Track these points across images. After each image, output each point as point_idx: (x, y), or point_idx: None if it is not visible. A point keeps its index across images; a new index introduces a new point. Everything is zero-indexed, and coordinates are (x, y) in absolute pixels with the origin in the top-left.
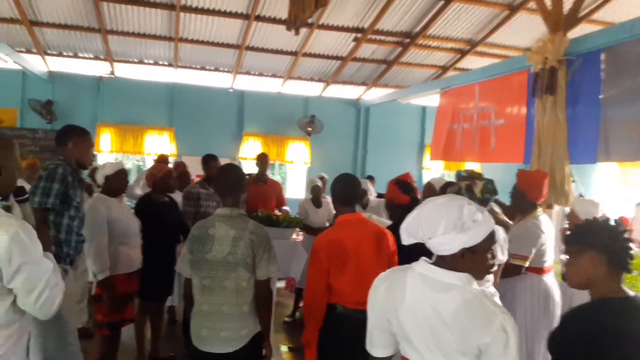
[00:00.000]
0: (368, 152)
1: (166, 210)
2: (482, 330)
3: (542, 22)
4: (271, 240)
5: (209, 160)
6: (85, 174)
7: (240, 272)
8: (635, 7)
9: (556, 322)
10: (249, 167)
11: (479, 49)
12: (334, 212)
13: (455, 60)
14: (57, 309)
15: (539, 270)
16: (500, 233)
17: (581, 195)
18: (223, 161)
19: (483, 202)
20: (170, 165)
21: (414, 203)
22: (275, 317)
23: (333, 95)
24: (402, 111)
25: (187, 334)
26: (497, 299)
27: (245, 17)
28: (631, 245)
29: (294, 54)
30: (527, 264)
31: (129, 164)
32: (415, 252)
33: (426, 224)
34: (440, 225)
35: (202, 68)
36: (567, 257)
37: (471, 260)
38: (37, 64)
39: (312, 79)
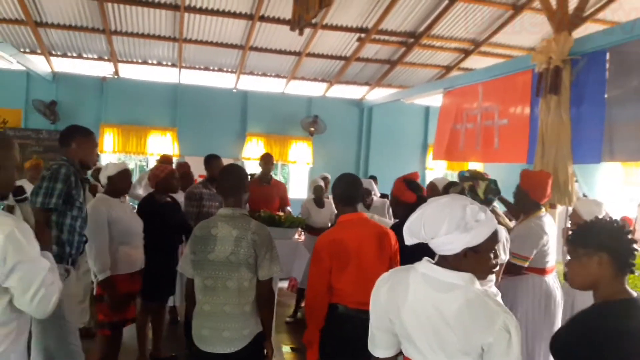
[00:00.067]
0: (371, 152)
1: (169, 211)
2: (485, 329)
3: (546, 22)
4: (273, 240)
5: (211, 161)
6: (89, 174)
7: (242, 272)
8: None
9: (557, 322)
10: (252, 167)
11: (483, 48)
12: (336, 212)
13: (459, 60)
14: (54, 308)
15: (541, 271)
16: (503, 233)
17: (585, 195)
18: (226, 161)
19: (486, 202)
20: (174, 166)
21: (420, 202)
22: (277, 317)
23: (336, 96)
24: (405, 111)
25: (189, 334)
26: (499, 299)
27: (249, 17)
28: (635, 246)
29: (297, 54)
30: (526, 265)
31: (132, 164)
32: (418, 252)
33: (429, 224)
34: (443, 225)
35: (206, 68)
36: (570, 257)
37: (474, 260)
38: (41, 64)
39: (315, 79)
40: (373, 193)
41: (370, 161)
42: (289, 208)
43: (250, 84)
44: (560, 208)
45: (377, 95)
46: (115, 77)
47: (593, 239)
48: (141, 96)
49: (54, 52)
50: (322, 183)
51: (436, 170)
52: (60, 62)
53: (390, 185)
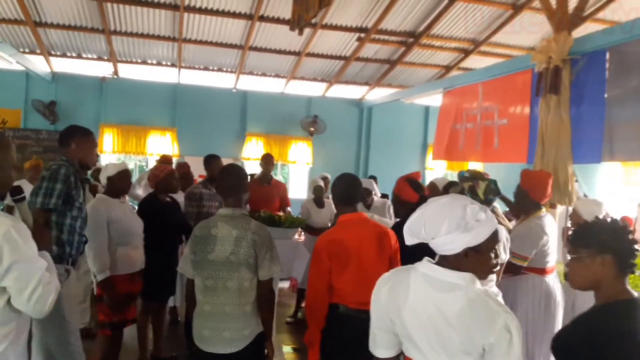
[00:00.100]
0: (371, 152)
1: (168, 211)
2: (486, 329)
3: (546, 21)
4: (273, 240)
5: (211, 161)
6: (88, 174)
7: (242, 272)
8: None
9: (557, 322)
10: (252, 167)
11: (483, 48)
12: (336, 212)
13: (458, 60)
14: (51, 308)
15: (541, 271)
16: (503, 232)
17: (585, 196)
18: (226, 161)
19: (486, 203)
20: (173, 166)
21: (422, 201)
22: (277, 318)
23: (336, 95)
24: (405, 111)
25: (189, 334)
26: (500, 299)
27: (248, 17)
28: (636, 246)
29: (297, 54)
30: (525, 264)
31: (131, 165)
32: (418, 252)
33: (429, 224)
34: (443, 225)
35: (205, 68)
36: (571, 257)
37: (475, 260)
38: (40, 64)
39: (315, 79)
40: (373, 193)
41: (370, 161)
42: (289, 208)
43: (249, 83)
44: (560, 208)
45: (377, 95)
46: (115, 77)
47: (595, 239)
48: (141, 96)
49: (53, 52)
50: (322, 183)
51: (436, 170)
52: (60, 62)
53: (390, 185)
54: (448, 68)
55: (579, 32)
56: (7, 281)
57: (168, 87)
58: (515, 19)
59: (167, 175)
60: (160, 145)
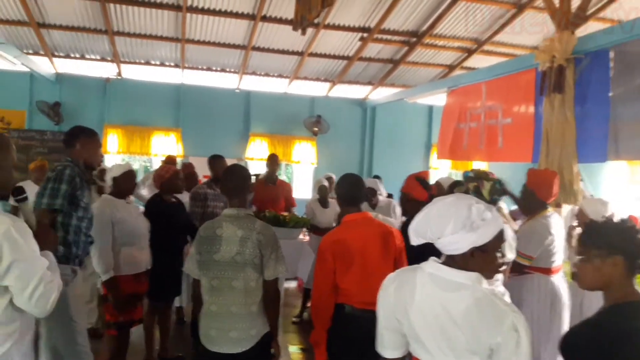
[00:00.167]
0: (375, 151)
1: (174, 211)
2: (493, 329)
3: (549, 20)
4: (278, 240)
5: (215, 161)
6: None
7: (248, 272)
8: None
9: (564, 322)
10: (256, 168)
11: (486, 47)
12: (339, 212)
13: (462, 59)
14: (53, 306)
15: (547, 271)
16: (509, 231)
17: (591, 195)
18: (230, 161)
19: (491, 203)
20: (178, 166)
21: (431, 200)
22: (283, 318)
23: (339, 95)
24: (408, 111)
25: (196, 334)
26: (507, 298)
27: (251, 17)
28: None
29: (300, 54)
30: (529, 264)
31: (136, 165)
32: (426, 253)
33: (435, 224)
34: (449, 224)
35: (209, 69)
36: (581, 257)
37: (481, 259)
38: (44, 65)
39: (318, 79)
40: (378, 193)
41: (374, 161)
42: (294, 209)
43: (252, 84)
44: (565, 207)
45: (380, 94)
46: (119, 77)
47: (606, 240)
48: (144, 97)
49: (56, 53)
50: (326, 183)
51: (440, 169)
52: (63, 63)
53: (393, 184)
54: (451, 67)
55: (582, 30)
56: (9, 280)
57: (171, 87)
58: (518, 18)
59: (172, 176)
60: (165, 145)
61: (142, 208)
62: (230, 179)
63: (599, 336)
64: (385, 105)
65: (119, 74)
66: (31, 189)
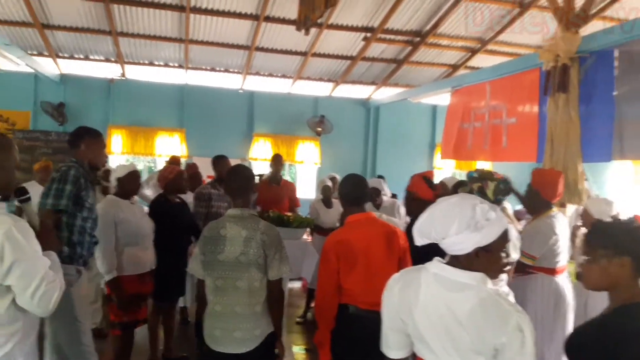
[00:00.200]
0: (378, 151)
1: (178, 212)
2: (498, 329)
3: (553, 20)
4: (282, 240)
5: (219, 161)
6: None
7: (252, 273)
8: None
9: (568, 323)
10: (260, 168)
11: (490, 47)
12: (343, 212)
13: (465, 59)
14: (55, 306)
15: (551, 271)
16: (513, 231)
17: (595, 195)
18: (234, 162)
19: (495, 203)
20: (182, 167)
21: (436, 200)
22: (287, 318)
23: (343, 95)
24: (412, 110)
25: (200, 334)
26: (511, 298)
27: (254, 17)
28: None
29: (303, 54)
30: (532, 263)
31: (140, 165)
32: (430, 253)
33: (439, 224)
34: (453, 225)
35: (212, 69)
36: (587, 258)
37: (485, 260)
38: (49, 66)
39: (321, 79)
40: (382, 193)
41: (377, 161)
42: (298, 209)
43: (256, 84)
44: (570, 207)
45: (384, 94)
46: (123, 78)
47: (613, 240)
48: (148, 97)
49: (61, 54)
50: (330, 183)
51: (444, 169)
52: (68, 63)
53: (397, 184)
54: (455, 67)
55: (586, 30)
56: (10, 280)
57: (175, 88)
58: (522, 17)
59: (176, 176)
60: (169, 146)
61: (146, 208)
62: (234, 179)
63: (604, 337)
64: (389, 105)
65: (123, 74)
66: (36, 190)
